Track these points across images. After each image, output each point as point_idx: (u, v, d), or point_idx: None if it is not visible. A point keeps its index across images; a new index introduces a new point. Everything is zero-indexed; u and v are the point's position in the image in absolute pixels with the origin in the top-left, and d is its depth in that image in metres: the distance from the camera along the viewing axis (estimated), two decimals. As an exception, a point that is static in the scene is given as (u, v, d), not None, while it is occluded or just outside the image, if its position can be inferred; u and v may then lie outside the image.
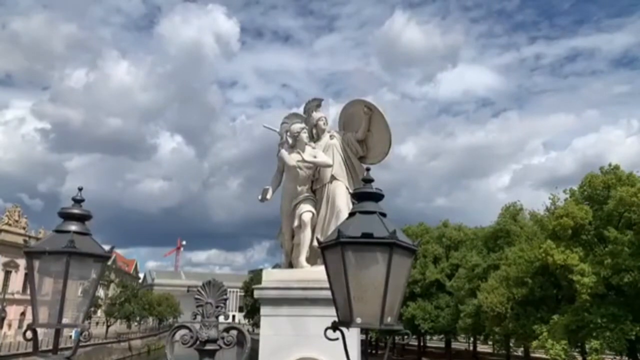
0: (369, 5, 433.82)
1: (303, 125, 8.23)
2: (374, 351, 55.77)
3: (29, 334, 3.30)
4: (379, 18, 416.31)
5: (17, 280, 57.41)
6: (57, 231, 3.34)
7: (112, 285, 77.47)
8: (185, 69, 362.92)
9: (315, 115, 8.40)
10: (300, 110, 8.72)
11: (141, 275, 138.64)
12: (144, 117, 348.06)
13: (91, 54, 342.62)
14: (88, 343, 49.01)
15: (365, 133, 8.30)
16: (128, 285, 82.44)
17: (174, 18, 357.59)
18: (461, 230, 56.50)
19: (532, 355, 46.40)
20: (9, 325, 55.30)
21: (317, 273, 6.25)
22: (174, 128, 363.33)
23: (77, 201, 3.48)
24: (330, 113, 9.09)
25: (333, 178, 8.12)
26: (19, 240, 48.48)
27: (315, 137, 8.46)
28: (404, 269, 2.96)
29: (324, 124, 8.47)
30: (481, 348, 66.12)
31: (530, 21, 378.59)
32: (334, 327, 2.94)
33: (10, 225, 58.21)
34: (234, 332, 3.51)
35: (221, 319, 3.55)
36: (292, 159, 7.94)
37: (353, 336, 3.42)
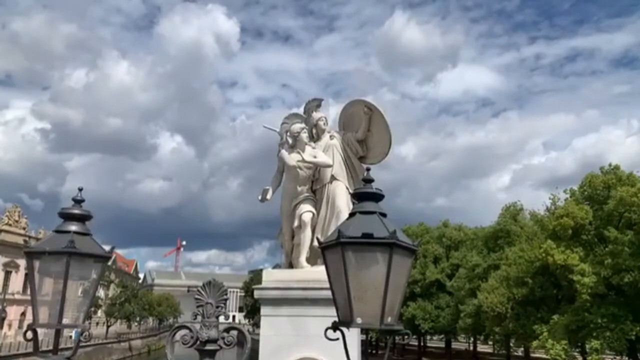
0: (369, 5, 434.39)
1: (303, 125, 8.22)
2: (374, 351, 55.80)
3: (29, 334, 3.30)
4: (379, 18, 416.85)
5: (17, 281, 57.42)
6: (57, 231, 3.35)
7: (112, 286, 77.46)
8: (185, 69, 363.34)
9: (315, 115, 8.40)
10: (300, 111, 8.72)
11: (141, 276, 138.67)
12: (144, 117, 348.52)
13: (91, 54, 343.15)
14: (88, 343, 49.06)
15: (365, 133, 8.29)
16: (128, 286, 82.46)
17: (174, 18, 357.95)
18: (461, 230, 56.52)
19: (532, 355, 46.40)
20: (9, 326, 55.32)
21: (318, 273, 6.25)
22: (174, 128, 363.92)
23: (77, 201, 3.48)
24: (330, 113, 9.10)
25: (333, 178, 8.11)
26: (19, 240, 48.51)
27: (315, 137, 8.45)
28: (404, 269, 2.96)
29: (324, 124, 8.47)
30: (481, 348, 66.13)
31: (530, 21, 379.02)
32: (334, 327, 2.94)
33: (10, 225, 58.23)
34: (234, 332, 3.51)
35: (221, 319, 3.55)
36: (292, 159, 7.94)
37: (353, 336, 3.42)
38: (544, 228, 35.71)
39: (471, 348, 64.44)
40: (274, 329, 7.28)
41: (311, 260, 7.88)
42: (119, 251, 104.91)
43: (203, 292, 3.55)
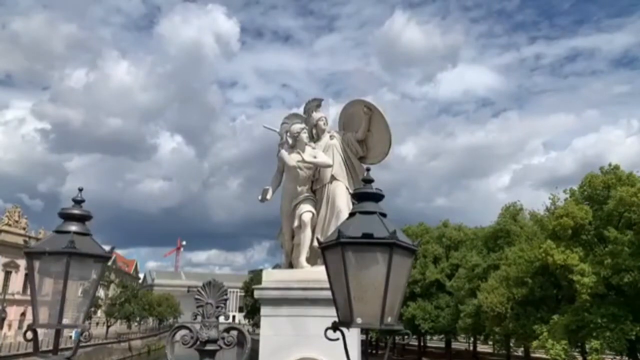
0: (369, 5, 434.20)
1: (303, 125, 8.23)
2: (374, 351, 55.81)
3: (29, 335, 3.30)
4: (379, 18, 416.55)
5: (17, 281, 57.42)
6: (57, 232, 3.35)
7: (112, 286, 77.45)
8: (185, 69, 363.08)
9: (315, 115, 8.40)
10: (300, 111, 8.72)
11: (141, 276, 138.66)
12: (144, 117, 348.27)
13: (91, 54, 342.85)
14: (88, 343, 49.06)
15: (365, 133, 8.30)
16: (128, 286, 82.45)
17: (174, 18, 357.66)
18: (461, 230, 56.54)
19: (532, 355, 46.41)
20: (9, 326, 55.32)
21: (317, 273, 6.25)
22: (174, 128, 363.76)
23: (77, 202, 3.48)
24: (330, 113, 9.10)
25: (333, 178, 8.12)
26: (19, 240, 48.51)
27: (315, 137, 8.46)
28: (404, 269, 2.96)
29: (324, 124, 8.47)
30: (481, 348, 66.15)
31: (530, 21, 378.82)
32: (334, 327, 2.94)
33: (10, 225, 58.24)
34: (234, 333, 3.51)
35: (221, 319, 3.55)
36: (292, 159, 7.94)
37: (353, 336, 3.42)
38: (543, 228, 35.71)
39: (471, 348, 64.44)
40: (274, 329, 7.29)
41: (311, 260, 7.88)
42: (119, 251, 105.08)
43: (203, 292, 3.56)
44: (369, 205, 3.09)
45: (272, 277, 7.76)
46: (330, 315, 3.09)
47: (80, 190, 3.54)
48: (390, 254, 2.78)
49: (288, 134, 8.26)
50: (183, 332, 3.48)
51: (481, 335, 52.03)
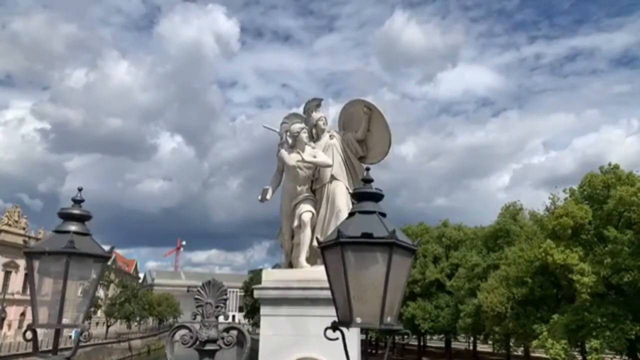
0: (369, 5, 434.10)
1: (303, 125, 8.22)
2: (374, 351, 55.78)
3: (29, 335, 3.30)
4: (379, 18, 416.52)
5: (17, 281, 57.41)
6: (57, 231, 3.35)
7: (112, 286, 77.43)
8: (185, 69, 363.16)
9: (315, 115, 8.40)
10: (300, 110, 8.72)
11: (141, 276, 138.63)
12: (144, 117, 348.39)
13: (91, 54, 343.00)
14: (88, 343, 49.04)
15: (365, 133, 8.30)
16: (128, 286, 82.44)
17: (174, 18, 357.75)
18: (461, 230, 56.51)
19: (532, 354, 46.41)
20: (9, 326, 55.30)
21: (317, 273, 6.25)
22: (174, 128, 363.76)
23: (77, 201, 3.48)
24: (330, 113, 9.10)
25: (333, 178, 8.12)
26: (19, 240, 48.47)
27: (315, 137, 8.45)
28: (403, 269, 2.96)
29: (324, 123, 8.47)
30: (481, 348, 66.16)
31: (530, 21, 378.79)
32: (334, 327, 2.94)
33: (10, 225, 58.22)
34: (233, 332, 3.51)
35: (221, 319, 3.55)
36: (291, 159, 7.94)
37: (353, 336, 3.42)
38: (543, 228, 35.69)
39: (471, 348, 64.46)
40: (274, 329, 7.29)
41: (311, 260, 7.88)
42: (119, 251, 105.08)
43: (203, 292, 3.56)
44: (369, 205, 3.08)
45: (271, 276, 7.76)
46: (330, 315, 3.09)
47: (80, 190, 3.54)
48: (390, 253, 2.78)
49: (288, 133, 8.26)
50: (183, 331, 3.48)
51: (481, 335, 52.05)
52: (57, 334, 3.39)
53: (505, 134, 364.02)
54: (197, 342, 3.39)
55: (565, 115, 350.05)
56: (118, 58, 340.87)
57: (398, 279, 2.89)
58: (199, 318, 3.50)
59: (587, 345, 31.53)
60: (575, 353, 34.08)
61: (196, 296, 3.56)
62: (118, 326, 79.29)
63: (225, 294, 3.60)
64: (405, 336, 3.35)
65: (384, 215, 3.03)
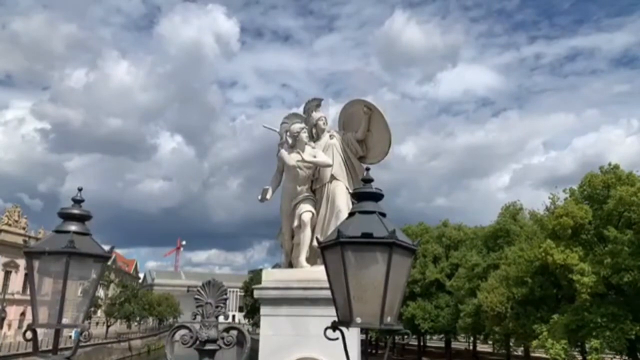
0: (369, 5, 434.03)
1: (303, 125, 8.23)
2: (374, 351, 55.78)
3: (28, 334, 3.30)
4: (379, 18, 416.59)
5: (17, 281, 57.41)
6: (57, 231, 3.35)
7: (112, 286, 77.44)
8: (185, 69, 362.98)
9: (315, 115, 8.40)
10: (300, 110, 8.72)
11: (141, 276, 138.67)
12: (144, 117, 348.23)
13: (91, 54, 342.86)
14: (88, 343, 49.03)
15: (365, 133, 8.30)
16: (128, 286, 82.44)
17: (174, 18, 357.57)
18: (461, 230, 56.51)
19: (532, 354, 46.41)
20: (9, 326, 55.31)
21: (317, 273, 6.25)
22: (174, 128, 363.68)
23: (77, 201, 3.48)
24: (330, 113, 9.10)
25: (333, 178, 8.12)
26: (19, 240, 48.47)
27: (315, 137, 8.45)
28: (403, 269, 2.96)
29: (324, 123, 8.47)
30: (481, 348, 66.14)
31: (530, 21, 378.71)
32: (334, 327, 2.94)
33: (10, 225, 58.22)
34: (233, 332, 3.51)
35: (221, 319, 3.55)
36: (291, 158, 7.94)
37: (353, 336, 3.42)
38: (543, 227, 35.69)
39: (471, 348, 64.45)
40: (274, 329, 7.29)
41: (311, 260, 7.88)
42: (119, 251, 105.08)
43: (203, 292, 3.56)
44: (369, 205, 3.08)
45: (271, 276, 7.76)
46: (330, 315, 3.09)
47: (80, 190, 3.54)
48: (390, 253, 2.78)
49: (288, 133, 8.26)
50: (183, 331, 3.48)
51: (481, 334, 52.04)
52: (57, 333, 3.39)
53: (505, 134, 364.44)
54: (197, 342, 3.39)
55: (565, 115, 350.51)
56: (118, 58, 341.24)
57: (398, 279, 2.89)
58: (199, 318, 3.50)
59: (587, 345, 31.53)
60: (575, 353, 34.08)
61: (196, 296, 3.56)
62: (118, 326, 79.30)
63: (225, 294, 3.60)
64: (405, 336, 3.35)
65: (384, 215, 3.03)
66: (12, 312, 56.25)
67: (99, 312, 74.18)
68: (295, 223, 7.98)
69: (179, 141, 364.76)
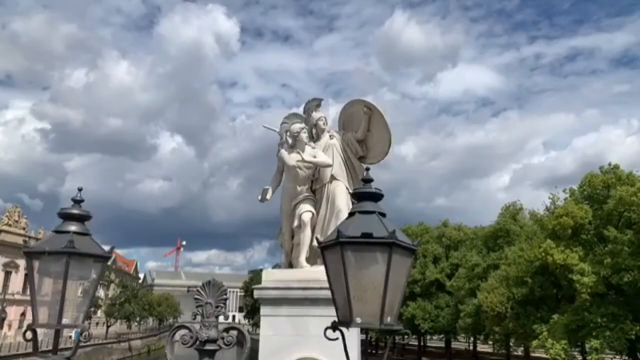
0: (369, 5, 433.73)
1: (303, 125, 8.23)
2: (374, 351, 55.77)
3: (29, 335, 3.30)
4: (379, 18, 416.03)
5: (17, 281, 57.41)
6: (57, 231, 3.35)
7: (112, 286, 77.46)
8: (185, 69, 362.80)
9: (315, 115, 8.40)
10: (300, 110, 8.73)
11: (141, 276, 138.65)
12: (144, 117, 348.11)
13: (91, 54, 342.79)
14: (88, 343, 49.05)
15: (365, 133, 8.30)
16: (128, 286, 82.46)
17: (174, 18, 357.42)
18: (461, 230, 56.53)
19: (532, 354, 46.42)
20: (9, 326, 55.31)
21: (317, 273, 6.25)
22: (174, 128, 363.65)
23: (77, 201, 3.48)
24: (330, 113, 9.10)
25: (333, 178, 8.12)
26: (19, 240, 48.50)
27: (315, 137, 8.45)
28: (403, 269, 2.96)
29: (324, 123, 8.48)
30: (481, 348, 66.16)
31: (530, 21, 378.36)
32: (334, 327, 2.94)
33: (10, 225, 58.23)
34: (233, 332, 3.51)
35: (221, 319, 3.55)
36: (291, 159, 7.94)
37: (353, 336, 3.42)
38: (543, 227, 35.70)
39: (471, 348, 64.47)
40: (274, 329, 7.29)
41: (311, 260, 7.88)
42: (119, 251, 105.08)
43: (203, 292, 3.55)
44: (369, 205, 3.08)
45: (271, 276, 7.76)
46: (330, 315, 3.09)
47: (80, 190, 3.54)
48: (390, 253, 2.78)
49: (288, 133, 8.26)
50: (183, 331, 3.48)
51: (481, 335, 52.06)
52: (57, 334, 3.39)
53: (505, 134, 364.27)
54: (197, 342, 3.39)
55: (565, 115, 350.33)
56: (118, 58, 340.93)
57: (398, 279, 2.89)
58: (199, 318, 3.50)
59: (587, 345, 31.54)
60: (575, 353, 34.08)
61: (196, 296, 3.56)
62: (118, 326, 79.31)
63: (225, 294, 3.60)
64: (405, 336, 3.35)
65: (383, 215, 3.04)
66: (12, 313, 56.25)
67: (99, 313, 74.17)
68: (295, 223, 7.98)
69: (179, 141, 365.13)
